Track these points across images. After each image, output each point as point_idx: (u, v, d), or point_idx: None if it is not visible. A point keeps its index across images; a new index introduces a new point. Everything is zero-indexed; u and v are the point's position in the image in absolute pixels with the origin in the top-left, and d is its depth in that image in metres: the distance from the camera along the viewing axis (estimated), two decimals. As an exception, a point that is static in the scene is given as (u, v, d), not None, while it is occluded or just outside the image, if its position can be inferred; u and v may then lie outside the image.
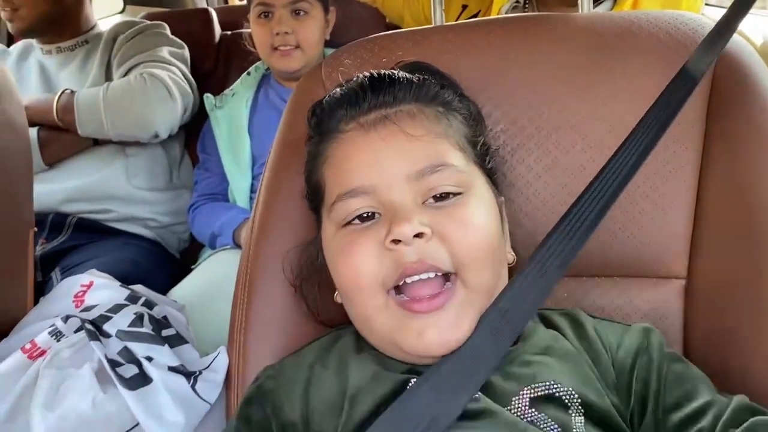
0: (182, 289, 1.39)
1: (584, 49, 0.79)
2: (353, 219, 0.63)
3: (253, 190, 1.55)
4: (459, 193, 0.63)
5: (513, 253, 0.70)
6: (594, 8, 1.15)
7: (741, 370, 0.68)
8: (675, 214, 0.75)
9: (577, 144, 0.77)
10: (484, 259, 0.61)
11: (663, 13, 0.81)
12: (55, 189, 1.52)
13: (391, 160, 0.62)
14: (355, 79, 0.70)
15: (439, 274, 0.60)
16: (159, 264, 1.57)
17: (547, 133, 0.78)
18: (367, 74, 0.69)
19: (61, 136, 1.52)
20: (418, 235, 0.59)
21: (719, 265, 0.72)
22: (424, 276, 0.60)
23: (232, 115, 1.60)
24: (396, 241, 0.59)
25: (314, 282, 0.73)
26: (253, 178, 1.55)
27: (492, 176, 0.70)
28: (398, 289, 0.61)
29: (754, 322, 0.68)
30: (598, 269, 0.77)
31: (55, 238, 1.51)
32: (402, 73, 0.69)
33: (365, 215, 0.62)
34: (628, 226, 0.76)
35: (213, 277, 1.40)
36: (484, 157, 0.69)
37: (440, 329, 0.59)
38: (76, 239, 1.51)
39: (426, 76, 0.70)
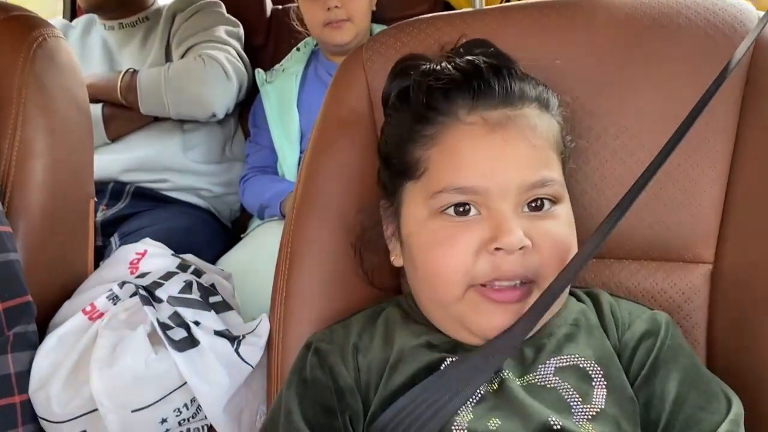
0: (231, 257, 1.45)
1: (622, 34, 0.79)
2: (448, 208, 0.63)
3: (301, 163, 1.58)
4: (553, 203, 0.64)
5: None
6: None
7: (764, 358, 0.69)
8: (704, 200, 0.76)
9: (609, 129, 0.78)
10: (560, 269, 0.62)
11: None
12: (115, 159, 1.59)
13: (509, 168, 0.62)
14: (470, 64, 0.66)
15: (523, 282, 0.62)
16: (211, 232, 1.64)
17: (580, 118, 0.79)
18: (487, 63, 0.66)
19: (124, 113, 1.60)
20: (521, 248, 0.60)
21: (747, 252, 0.73)
22: (513, 283, 0.62)
23: (281, 90, 1.63)
24: (499, 249, 0.60)
25: (375, 247, 0.75)
26: (301, 152, 1.58)
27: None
28: (484, 285, 0.62)
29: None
30: (626, 252, 0.79)
31: (114, 205, 1.58)
32: (517, 70, 0.68)
33: (461, 209, 0.63)
34: (658, 211, 0.77)
35: (260, 247, 1.45)
36: (567, 159, 0.70)
37: (506, 320, 0.61)
38: (134, 207, 1.58)
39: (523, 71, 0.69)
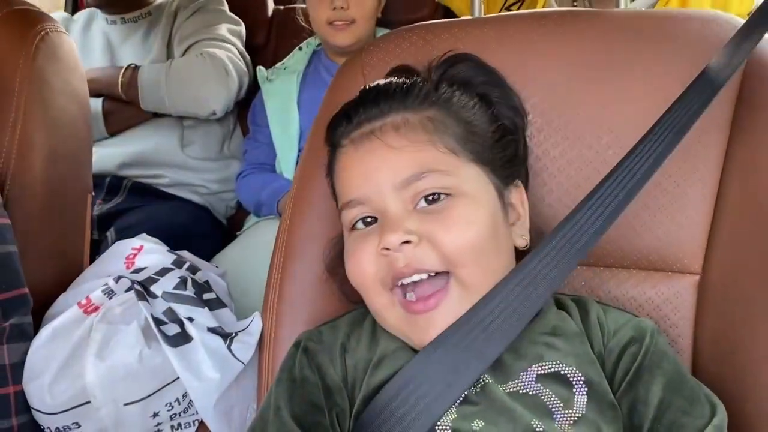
0: (226, 255, 1.46)
1: (616, 46, 0.80)
2: (357, 223, 0.69)
3: (299, 163, 1.59)
4: (448, 194, 0.66)
5: (528, 237, 0.72)
6: (633, 4, 1.15)
7: (749, 369, 0.70)
8: (693, 211, 0.77)
9: (602, 139, 0.79)
10: (476, 256, 0.65)
11: (697, 13, 0.81)
12: (113, 153, 1.59)
13: (378, 173, 0.67)
14: (358, 92, 0.74)
15: (432, 274, 0.64)
16: (207, 229, 1.65)
17: (573, 128, 0.80)
18: (363, 89, 0.74)
19: (124, 108, 1.61)
20: (406, 242, 0.63)
21: (734, 264, 0.74)
22: (415, 278, 0.64)
23: (282, 88, 1.63)
24: (386, 248, 0.64)
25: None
26: (300, 151, 1.58)
27: (504, 164, 0.72)
28: (404, 287, 0.65)
29: (766, 323, 0.70)
30: (614, 260, 0.80)
31: (111, 199, 1.59)
32: (394, 82, 0.72)
33: (368, 220, 0.68)
34: (647, 220, 0.78)
35: (255, 245, 1.45)
36: (488, 150, 0.71)
37: (439, 328, 0.64)
38: (130, 201, 1.59)
39: (420, 79, 0.73)
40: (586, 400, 0.62)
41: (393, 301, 0.66)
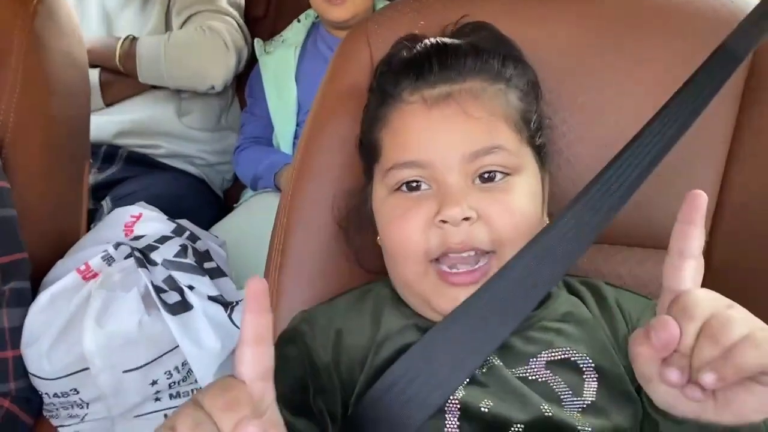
0: (222, 227, 1.44)
1: (630, 21, 0.79)
2: (402, 186, 0.66)
3: (296, 137, 1.58)
4: (507, 174, 0.65)
5: (548, 220, 0.71)
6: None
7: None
8: (701, 189, 0.76)
9: (612, 116, 0.78)
10: (521, 239, 0.63)
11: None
12: (108, 122, 1.57)
13: (449, 140, 0.64)
14: (422, 45, 0.70)
15: (479, 252, 0.63)
16: (203, 200, 1.63)
17: (582, 103, 0.79)
18: (434, 44, 0.69)
19: (122, 80, 1.58)
20: (465, 219, 0.62)
21: (738, 246, 0.74)
22: (464, 255, 0.63)
23: (280, 61, 1.61)
24: (444, 221, 0.62)
25: (359, 227, 0.76)
26: (297, 125, 1.57)
27: (541, 151, 0.71)
28: (438, 259, 0.64)
29: (764, 307, 0.70)
30: (619, 238, 0.79)
31: (107, 168, 1.57)
32: (469, 45, 0.69)
33: (414, 185, 0.65)
34: (653, 197, 0.77)
35: (252, 218, 1.45)
36: (536, 133, 0.70)
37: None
38: (126, 171, 1.57)
39: (489, 47, 0.70)
40: (596, 386, 0.62)
41: (428, 270, 0.64)
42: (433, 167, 0.64)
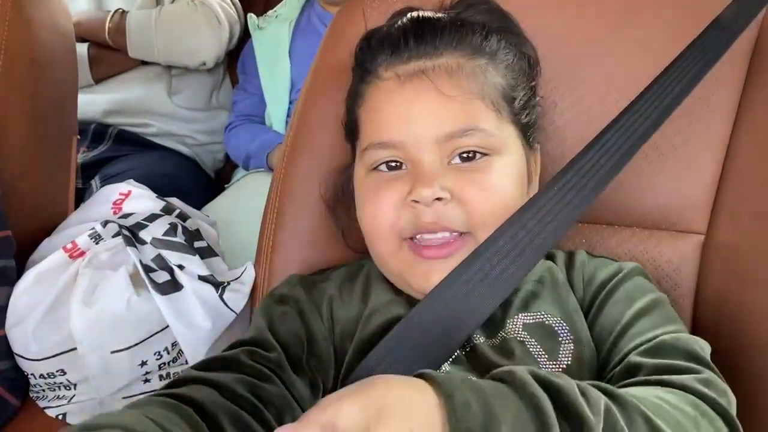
0: (214, 207, 1.43)
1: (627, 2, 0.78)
2: (380, 165, 0.65)
3: (289, 114, 1.56)
4: (486, 154, 0.63)
5: None
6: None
7: (751, 330, 0.70)
8: (702, 170, 0.75)
9: (611, 93, 0.77)
10: (498, 220, 0.62)
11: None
12: (98, 100, 1.54)
13: (421, 120, 0.63)
14: (400, 21, 0.68)
15: (454, 233, 0.62)
16: (194, 180, 1.61)
17: (583, 80, 0.77)
18: (411, 17, 0.67)
19: (111, 55, 1.55)
20: (437, 199, 0.61)
21: (740, 226, 0.73)
22: (439, 235, 0.62)
23: (274, 37, 1.59)
24: (416, 201, 0.61)
25: (346, 206, 0.75)
26: (291, 102, 1.55)
27: (528, 130, 0.69)
28: (412, 237, 0.63)
29: (764, 286, 0.69)
30: (617, 218, 0.78)
31: (96, 147, 1.55)
32: (447, 18, 0.67)
33: (392, 164, 0.64)
34: (652, 178, 0.76)
35: (244, 197, 1.43)
36: (521, 111, 0.68)
37: (441, 275, 0.61)
38: (116, 150, 1.55)
39: (476, 21, 0.68)
40: (572, 348, 0.61)
41: (401, 246, 0.64)
42: (406, 148, 0.63)
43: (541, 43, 0.77)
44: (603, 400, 0.46)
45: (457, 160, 0.63)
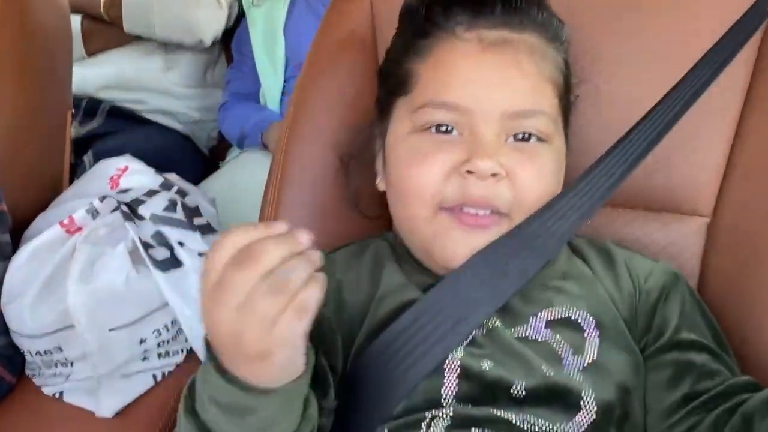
0: (208, 185, 1.41)
1: None
2: (432, 126, 0.62)
3: (284, 92, 1.55)
4: (542, 140, 0.62)
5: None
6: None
7: (756, 313, 0.69)
8: (710, 152, 0.75)
9: (629, 78, 0.75)
10: (537, 207, 0.61)
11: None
12: (91, 75, 1.52)
13: (496, 91, 0.61)
14: None
15: (496, 212, 0.60)
16: (188, 157, 1.59)
17: (599, 68, 0.76)
18: None
19: (105, 29, 1.52)
20: (493, 174, 0.59)
21: (746, 209, 0.72)
22: (481, 212, 0.60)
23: (269, 14, 1.56)
24: (470, 171, 0.59)
25: (362, 165, 0.73)
26: (286, 80, 1.53)
27: (568, 125, 0.68)
28: (452, 208, 0.61)
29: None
30: (623, 200, 0.77)
31: (88, 122, 1.52)
32: None
33: (443, 128, 0.61)
34: (660, 160, 0.75)
35: (239, 176, 1.42)
36: (569, 106, 0.68)
37: (469, 251, 0.60)
38: (109, 126, 1.53)
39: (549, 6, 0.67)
40: (598, 342, 0.61)
41: (437, 214, 0.61)
42: (471, 115, 0.60)
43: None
44: None
45: (511, 139, 0.61)
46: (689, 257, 0.76)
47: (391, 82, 0.68)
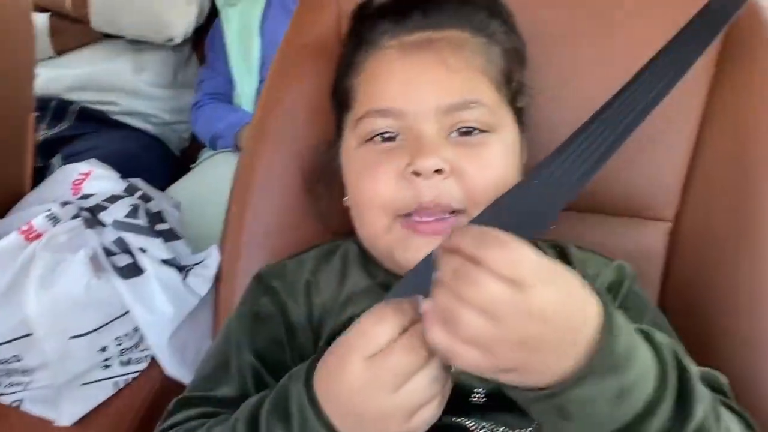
0: (180, 187, 1.40)
1: None
2: (376, 136, 0.63)
3: (259, 93, 1.53)
4: (485, 131, 0.62)
5: None
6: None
7: (714, 316, 0.71)
8: (672, 157, 0.75)
9: (595, 83, 0.75)
10: (494, 197, 0.59)
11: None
12: (59, 75, 1.49)
13: (425, 90, 0.62)
14: None
15: (450, 214, 0.61)
16: (159, 160, 1.57)
17: (557, 71, 0.76)
18: None
19: (73, 26, 1.49)
20: (437, 171, 0.59)
21: (708, 214, 0.73)
22: (435, 218, 0.60)
23: (244, 14, 1.55)
24: (416, 173, 0.59)
25: (327, 185, 0.73)
26: (261, 81, 1.52)
27: (521, 114, 0.69)
28: (407, 215, 0.61)
29: (731, 274, 0.70)
30: (586, 205, 0.78)
31: (56, 125, 1.50)
32: None
33: (386, 136, 0.62)
34: (623, 165, 0.75)
35: (210, 178, 1.41)
36: (516, 95, 0.68)
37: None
38: (78, 128, 1.50)
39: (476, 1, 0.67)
40: None
41: (394, 224, 0.61)
42: (407, 117, 0.61)
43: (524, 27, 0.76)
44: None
45: (455, 135, 0.62)
46: (653, 261, 0.77)
47: (337, 99, 0.70)
